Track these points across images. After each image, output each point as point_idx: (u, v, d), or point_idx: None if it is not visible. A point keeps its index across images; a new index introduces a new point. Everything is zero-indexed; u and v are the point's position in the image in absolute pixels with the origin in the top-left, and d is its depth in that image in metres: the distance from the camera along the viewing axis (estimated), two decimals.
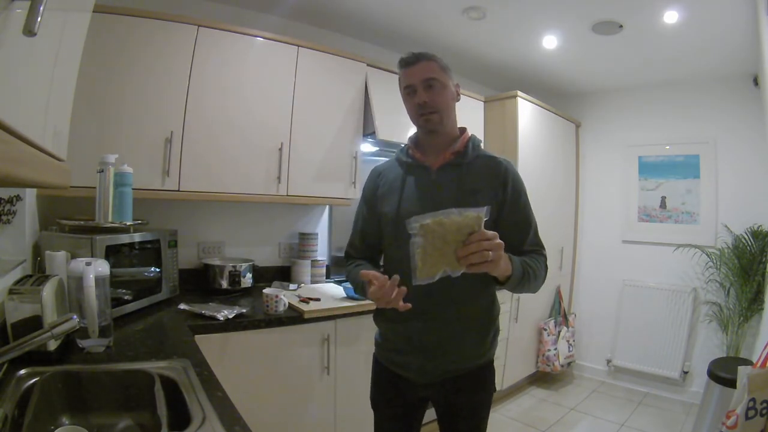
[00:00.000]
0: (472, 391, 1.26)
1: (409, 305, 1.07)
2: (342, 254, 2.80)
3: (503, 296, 2.92)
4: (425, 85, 1.20)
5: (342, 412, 2.02)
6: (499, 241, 0.98)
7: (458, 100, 1.29)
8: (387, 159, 1.42)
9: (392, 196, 1.28)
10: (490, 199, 1.19)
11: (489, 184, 1.22)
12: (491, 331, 1.27)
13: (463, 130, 1.31)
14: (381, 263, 1.39)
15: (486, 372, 1.28)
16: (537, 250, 1.24)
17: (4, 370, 1.00)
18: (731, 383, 2.00)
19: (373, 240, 1.35)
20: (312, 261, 2.50)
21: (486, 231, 0.97)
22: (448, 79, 1.25)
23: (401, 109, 1.31)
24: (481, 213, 0.97)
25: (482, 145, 1.32)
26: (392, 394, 1.33)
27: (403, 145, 1.36)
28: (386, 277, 1.07)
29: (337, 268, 2.74)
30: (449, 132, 1.27)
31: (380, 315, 1.32)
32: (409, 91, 1.24)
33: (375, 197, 1.34)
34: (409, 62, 1.23)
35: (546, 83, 3.66)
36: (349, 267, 1.36)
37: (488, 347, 1.27)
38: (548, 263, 1.25)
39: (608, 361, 3.58)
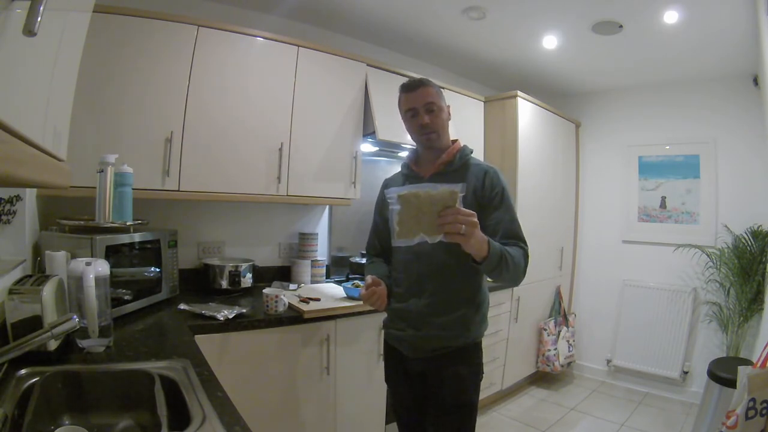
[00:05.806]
0: (456, 364, 1.39)
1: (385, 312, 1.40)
2: (341, 254, 2.85)
3: (503, 296, 2.92)
4: (426, 108, 1.39)
5: (342, 412, 2.02)
6: (473, 219, 1.12)
7: (449, 120, 1.47)
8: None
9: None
10: (470, 200, 1.35)
11: (471, 188, 1.38)
12: (474, 316, 1.41)
13: (454, 142, 1.49)
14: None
15: (470, 350, 1.42)
16: (518, 244, 1.37)
17: (4, 370, 1.00)
18: (731, 383, 2.00)
19: (386, 242, 1.57)
20: (312, 261, 2.50)
21: (462, 208, 1.11)
22: (443, 102, 1.43)
23: None
24: (456, 189, 1.10)
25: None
26: (397, 368, 1.52)
27: (405, 160, 1.55)
28: (375, 284, 1.36)
29: (337, 268, 2.74)
30: (443, 146, 1.46)
31: (388, 298, 1.47)
32: (412, 114, 1.41)
33: (383, 205, 1.57)
34: (410, 87, 1.41)
35: (546, 83, 3.65)
36: (366, 263, 1.66)
37: (472, 330, 1.41)
38: (531, 258, 1.38)
39: (608, 361, 3.58)
